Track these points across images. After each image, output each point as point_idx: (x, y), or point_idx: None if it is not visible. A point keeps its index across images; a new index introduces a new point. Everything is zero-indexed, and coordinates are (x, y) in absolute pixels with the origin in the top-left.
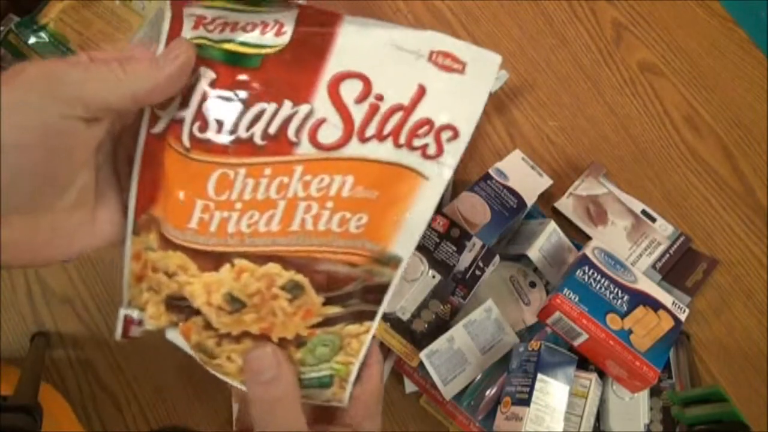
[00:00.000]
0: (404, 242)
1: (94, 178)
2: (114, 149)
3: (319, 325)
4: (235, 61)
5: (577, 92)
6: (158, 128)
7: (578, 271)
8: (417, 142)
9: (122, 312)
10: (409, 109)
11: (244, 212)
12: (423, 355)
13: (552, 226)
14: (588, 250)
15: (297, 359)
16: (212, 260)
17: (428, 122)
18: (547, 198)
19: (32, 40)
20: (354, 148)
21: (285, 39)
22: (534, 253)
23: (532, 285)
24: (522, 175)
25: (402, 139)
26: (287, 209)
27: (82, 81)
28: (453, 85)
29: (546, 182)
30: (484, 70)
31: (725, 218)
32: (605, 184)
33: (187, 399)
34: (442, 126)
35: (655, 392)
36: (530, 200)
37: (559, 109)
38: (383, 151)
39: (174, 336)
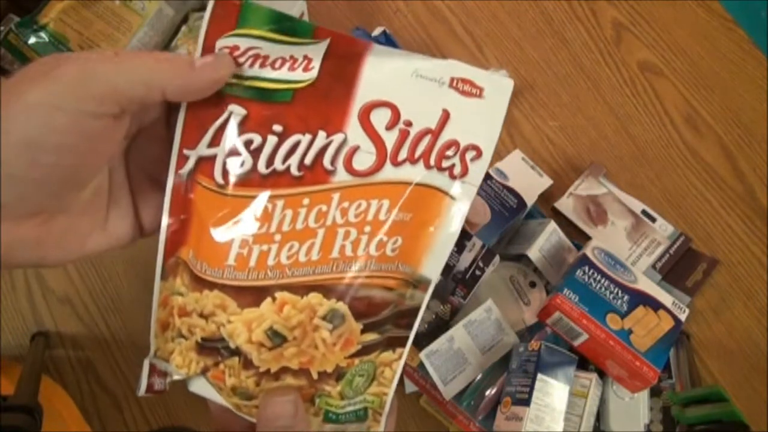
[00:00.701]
0: (433, 264)
1: (107, 180)
2: (128, 151)
3: (357, 353)
4: (266, 96)
5: (577, 92)
6: (186, 168)
7: (578, 271)
8: (445, 163)
9: (147, 362)
10: (436, 132)
11: (284, 244)
12: (423, 355)
13: (552, 226)
14: (588, 250)
15: (337, 393)
16: (253, 295)
17: (454, 143)
18: (547, 198)
19: (32, 40)
20: (388, 172)
21: (313, 74)
22: (534, 253)
23: (532, 285)
24: (522, 175)
25: (432, 161)
26: (327, 237)
27: (114, 74)
28: (473, 108)
29: (546, 182)
30: (500, 94)
31: (725, 218)
32: (605, 184)
33: (187, 399)
34: (466, 146)
35: (655, 392)
36: (530, 200)
37: (559, 109)
38: (416, 173)
39: (200, 386)
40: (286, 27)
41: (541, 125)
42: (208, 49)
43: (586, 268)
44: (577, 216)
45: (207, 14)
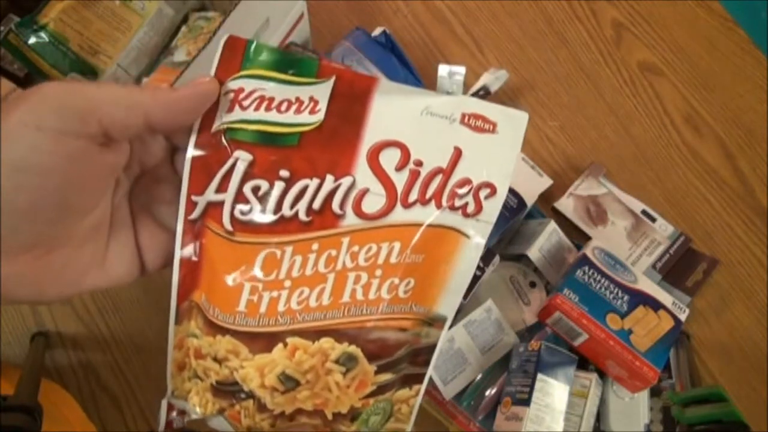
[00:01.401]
0: (448, 302)
1: (108, 216)
2: (132, 191)
3: (372, 394)
4: (272, 141)
5: (577, 92)
6: (195, 214)
7: (578, 271)
8: (458, 202)
9: (165, 402)
10: (448, 172)
11: (294, 290)
12: None
13: (552, 226)
14: (588, 250)
15: None
16: (264, 341)
17: (467, 182)
18: (547, 198)
19: (32, 40)
20: (399, 215)
21: (320, 116)
22: (534, 253)
23: (532, 285)
24: (522, 175)
25: (444, 201)
26: (337, 282)
27: (95, 96)
28: (487, 144)
29: (546, 182)
30: (514, 127)
31: (725, 218)
32: (605, 184)
33: None
34: (480, 184)
35: (655, 392)
36: (530, 200)
37: (559, 109)
38: (427, 214)
39: (219, 423)
40: (290, 66)
41: (541, 125)
42: None
43: (586, 268)
44: (577, 216)
45: (217, 55)
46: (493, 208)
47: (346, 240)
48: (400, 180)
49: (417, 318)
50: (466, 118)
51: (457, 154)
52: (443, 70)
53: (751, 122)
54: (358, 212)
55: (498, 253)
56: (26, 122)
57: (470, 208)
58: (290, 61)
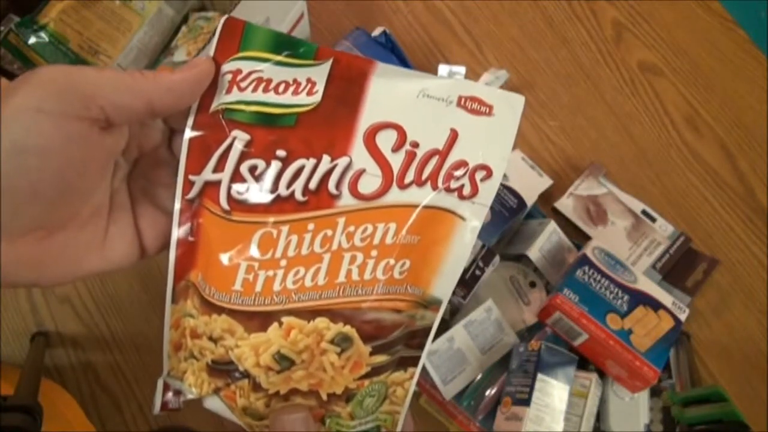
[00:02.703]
0: (444, 284)
1: (108, 199)
2: (130, 175)
3: (367, 375)
4: (270, 121)
5: (577, 92)
6: (192, 193)
7: (578, 271)
8: (454, 184)
9: (161, 382)
10: (444, 153)
11: (290, 269)
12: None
13: (552, 226)
14: (588, 250)
15: (347, 413)
16: (259, 321)
17: (463, 164)
18: (547, 198)
19: (32, 40)
20: (395, 196)
21: (317, 98)
22: (534, 253)
23: (532, 285)
24: (522, 175)
25: (440, 183)
26: (333, 262)
27: (97, 80)
28: (483, 127)
29: (546, 182)
30: (510, 110)
31: (725, 218)
32: (605, 184)
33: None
34: (476, 166)
35: (655, 392)
36: (530, 200)
37: (559, 109)
38: (423, 195)
39: (214, 404)
40: (288, 48)
41: (541, 125)
42: (213, 77)
43: (586, 268)
44: (577, 216)
45: (216, 37)
46: (489, 191)
47: (341, 220)
48: (396, 161)
49: (412, 300)
50: (463, 100)
51: (454, 136)
52: (443, 70)
53: (751, 122)
54: (354, 193)
55: (498, 253)
56: (27, 105)
57: (466, 190)
58: (288, 43)
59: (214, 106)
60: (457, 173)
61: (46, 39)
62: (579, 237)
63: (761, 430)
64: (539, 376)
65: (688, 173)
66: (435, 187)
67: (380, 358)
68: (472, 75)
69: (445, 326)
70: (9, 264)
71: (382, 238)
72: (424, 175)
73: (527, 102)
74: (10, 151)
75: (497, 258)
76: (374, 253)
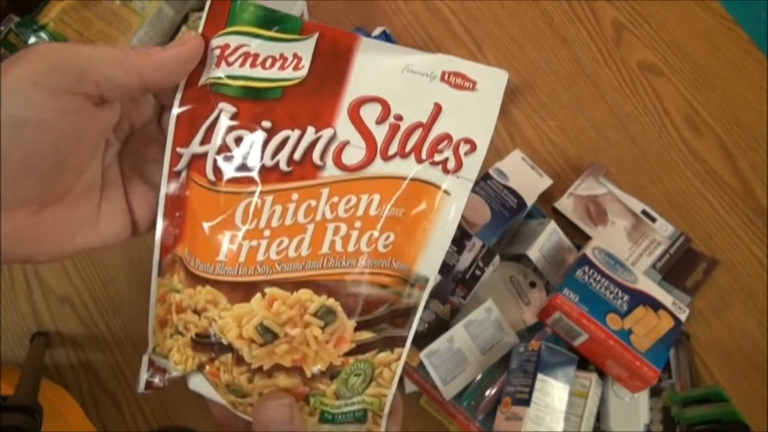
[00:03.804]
0: (429, 261)
1: (100, 175)
2: (121, 152)
3: (351, 352)
4: (256, 95)
5: (577, 92)
6: (180, 166)
7: (578, 271)
8: (438, 157)
9: (146, 358)
10: (428, 126)
11: (273, 239)
12: (423, 355)
13: (552, 226)
14: (588, 250)
15: (332, 392)
16: (243, 291)
17: (447, 137)
18: (547, 198)
19: (32, 40)
20: (378, 167)
21: (303, 72)
22: (534, 253)
23: (532, 285)
24: (522, 175)
25: (424, 155)
26: (316, 232)
27: (92, 56)
28: (467, 101)
29: (546, 182)
30: (494, 86)
31: (725, 218)
32: (605, 184)
33: (186, 399)
34: (460, 140)
35: (655, 392)
36: (530, 200)
37: (559, 109)
38: (406, 167)
39: (198, 383)
40: (275, 23)
41: (541, 125)
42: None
43: (586, 268)
44: (577, 216)
45: (205, 13)
46: (473, 165)
47: (325, 191)
48: (380, 133)
49: (397, 275)
50: (447, 75)
51: (437, 109)
52: None
53: (751, 122)
54: (338, 164)
55: (498, 253)
56: (23, 78)
57: (450, 164)
58: (274, 18)
59: (202, 81)
60: (441, 146)
61: (46, 39)
62: (579, 237)
63: (761, 430)
64: (539, 376)
65: (688, 173)
66: (419, 160)
67: (365, 335)
68: None
69: (445, 326)
70: (5, 237)
71: (365, 209)
72: (408, 148)
73: (527, 102)
74: (5, 123)
75: (497, 258)
76: (358, 224)
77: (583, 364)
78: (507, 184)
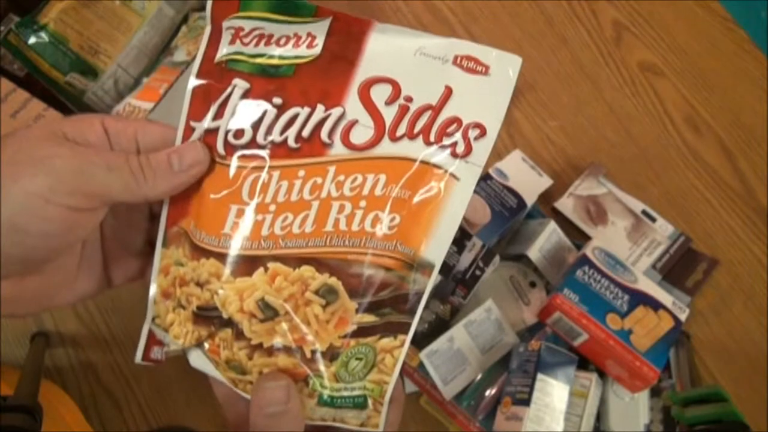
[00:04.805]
0: (436, 247)
1: (80, 249)
2: (104, 221)
3: (353, 334)
4: (270, 72)
5: (577, 92)
6: (191, 139)
7: (578, 271)
8: (447, 141)
9: (146, 327)
10: (437, 108)
11: (278, 214)
12: (423, 355)
13: (552, 226)
14: (588, 250)
15: (331, 374)
16: (246, 265)
17: (456, 120)
18: (547, 198)
19: (32, 40)
20: (386, 147)
21: (317, 50)
22: (534, 253)
23: (532, 285)
24: (522, 175)
25: (432, 137)
26: (321, 210)
27: (106, 181)
28: (478, 86)
29: (546, 182)
30: (507, 71)
31: (725, 218)
32: (605, 184)
33: (187, 399)
34: (469, 124)
35: (655, 392)
36: (530, 200)
37: (559, 109)
38: (414, 148)
39: (198, 359)
40: (287, 7)
41: (541, 125)
42: (216, 30)
43: (586, 268)
44: (577, 216)
45: (207, 27)
46: (482, 150)
47: (332, 169)
48: (389, 114)
49: (402, 259)
50: (459, 59)
51: (448, 92)
52: None
53: (751, 122)
54: (346, 142)
55: (498, 253)
56: (37, 194)
57: (459, 148)
58: (287, 4)
59: (218, 57)
60: (450, 129)
61: (46, 39)
62: (579, 237)
63: (761, 430)
64: (539, 376)
65: (688, 173)
66: (427, 142)
67: (367, 318)
68: None
69: (445, 326)
70: None
71: (371, 189)
72: (416, 129)
73: (527, 102)
74: (11, 228)
75: (497, 258)
76: (363, 203)
77: (583, 364)
78: (507, 184)
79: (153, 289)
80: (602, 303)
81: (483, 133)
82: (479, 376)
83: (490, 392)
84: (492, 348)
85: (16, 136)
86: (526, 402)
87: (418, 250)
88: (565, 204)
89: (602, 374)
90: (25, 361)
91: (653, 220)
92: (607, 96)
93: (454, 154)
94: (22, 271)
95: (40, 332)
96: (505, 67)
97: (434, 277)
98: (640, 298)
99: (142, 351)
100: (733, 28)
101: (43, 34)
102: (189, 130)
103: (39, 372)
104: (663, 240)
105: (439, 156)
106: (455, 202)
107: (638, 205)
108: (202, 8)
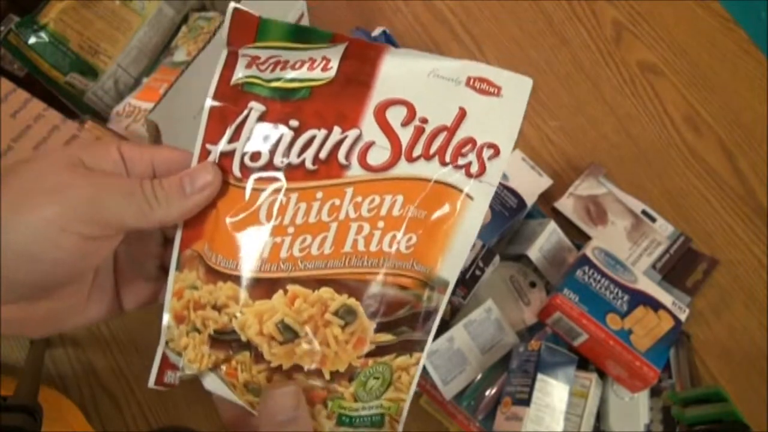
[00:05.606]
0: (450, 265)
1: (92, 276)
2: (118, 248)
3: (370, 354)
4: (286, 95)
5: (577, 92)
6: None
7: (578, 271)
8: (461, 161)
9: (160, 351)
10: (452, 129)
11: (297, 236)
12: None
13: (552, 226)
14: (588, 250)
15: (350, 394)
16: (264, 288)
17: (471, 141)
18: (547, 198)
19: (32, 40)
20: (402, 168)
21: (331, 73)
22: (534, 253)
23: (532, 285)
24: (522, 175)
25: (448, 158)
26: (339, 231)
27: (119, 210)
28: (491, 106)
29: (546, 182)
30: (518, 92)
31: (725, 218)
32: (605, 184)
33: (187, 399)
34: (483, 144)
35: (655, 392)
36: (530, 200)
37: (559, 109)
38: (430, 169)
39: (213, 382)
40: (304, 36)
41: (541, 125)
42: (232, 54)
43: (586, 268)
44: (577, 216)
45: (227, 21)
46: (496, 170)
47: (350, 190)
48: (405, 135)
49: (418, 278)
50: (472, 81)
51: (462, 113)
52: None
53: (751, 122)
54: (363, 164)
55: (498, 253)
56: (53, 222)
57: (473, 168)
58: (304, 32)
59: (234, 80)
60: (465, 150)
61: (46, 39)
62: (579, 237)
63: (761, 430)
64: (539, 376)
65: (688, 173)
66: (443, 162)
67: (385, 337)
68: None
69: (445, 326)
70: None
71: (389, 209)
72: (432, 150)
73: (527, 102)
74: (25, 255)
75: (497, 258)
76: (381, 224)
77: (583, 364)
78: (507, 184)
79: (166, 314)
80: (602, 303)
81: (497, 153)
82: (479, 376)
83: (490, 392)
84: (492, 348)
85: (32, 162)
86: (526, 402)
87: (434, 269)
88: (565, 204)
89: (602, 374)
90: (25, 361)
91: (653, 220)
92: (607, 96)
93: (469, 174)
94: (32, 295)
95: None
96: (517, 88)
97: (449, 294)
98: (640, 298)
99: (155, 375)
100: (733, 28)
101: (43, 34)
102: (205, 153)
103: (39, 372)
104: (663, 240)
105: (454, 176)
106: (469, 221)
107: (638, 205)
108: (202, 8)
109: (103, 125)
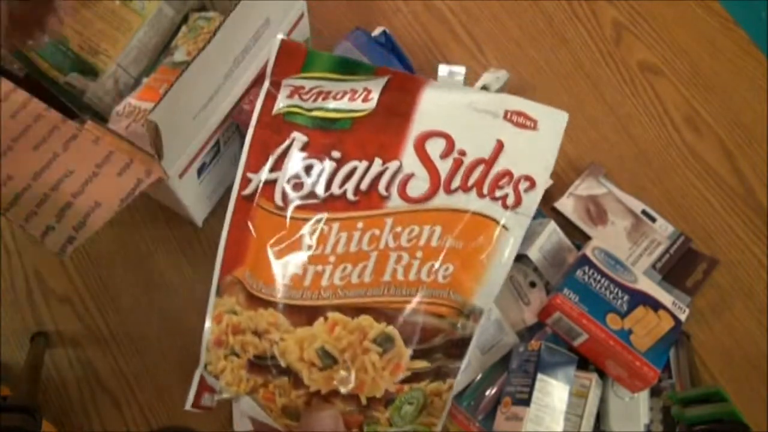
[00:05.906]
0: (486, 294)
1: None
2: None
3: (407, 380)
4: (327, 125)
5: (577, 92)
6: (249, 190)
7: (578, 271)
8: (498, 193)
9: (198, 374)
10: (490, 162)
11: (338, 265)
12: None
13: (552, 226)
14: (588, 250)
15: (385, 419)
16: (306, 315)
17: (508, 173)
18: (547, 198)
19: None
20: (441, 200)
21: (372, 104)
22: (534, 253)
23: (532, 285)
24: None
25: (485, 190)
26: (379, 260)
27: None
28: (528, 140)
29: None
30: (554, 125)
31: (725, 218)
32: (605, 184)
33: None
34: (520, 177)
35: (655, 392)
36: None
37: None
38: (468, 201)
39: (249, 406)
40: (348, 68)
41: None
42: (275, 84)
43: (586, 268)
44: (577, 216)
45: (273, 54)
46: (531, 201)
47: (389, 221)
48: (444, 167)
49: (454, 307)
50: (509, 114)
51: (499, 146)
52: (443, 70)
53: (751, 122)
54: (403, 195)
55: None
56: None
57: (510, 200)
58: (349, 65)
59: (276, 109)
60: (502, 182)
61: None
62: (579, 237)
63: (761, 430)
64: (539, 376)
65: (688, 173)
66: (480, 194)
67: (420, 364)
68: (472, 75)
69: None
70: None
71: (427, 240)
72: (470, 182)
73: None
74: None
75: None
76: (419, 254)
77: (583, 364)
78: None
79: (206, 336)
80: (602, 303)
81: (532, 185)
82: (479, 376)
83: (490, 392)
84: (492, 348)
85: None
86: (526, 402)
87: (470, 298)
88: (565, 204)
89: (602, 374)
90: (25, 361)
91: (653, 220)
92: (607, 96)
93: (505, 206)
94: None
95: (40, 332)
96: (553, 122)
97: (482, 322)
98: (640, 298)
99: (193, 398)
100: (733, 28)
101: None
102: (246, 181)
103: (39, 372)
104: (663, 240)
105: (491, 208)
106: (505, 251)
107: (638, 205)
108: (202, 8)
109: (103, 125)
